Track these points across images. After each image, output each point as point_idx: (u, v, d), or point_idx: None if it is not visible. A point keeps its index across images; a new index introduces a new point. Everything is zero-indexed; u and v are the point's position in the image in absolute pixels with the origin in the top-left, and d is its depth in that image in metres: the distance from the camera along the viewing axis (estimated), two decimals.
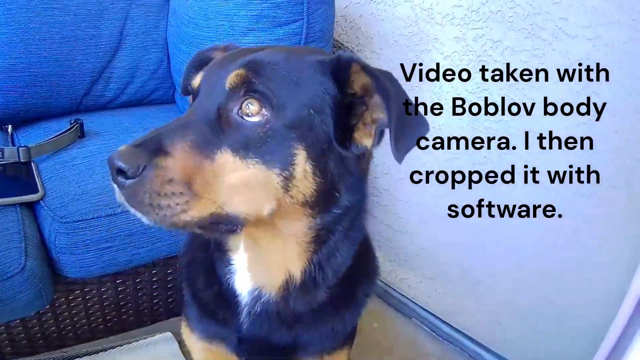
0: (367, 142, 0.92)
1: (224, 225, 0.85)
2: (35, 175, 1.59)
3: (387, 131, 0.92)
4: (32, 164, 1.64)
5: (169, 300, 1.83)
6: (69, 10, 1.90)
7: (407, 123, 0.86)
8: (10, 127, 2.00)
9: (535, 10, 1.63)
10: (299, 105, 0.87)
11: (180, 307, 1.81)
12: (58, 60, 1.91)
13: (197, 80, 0.96)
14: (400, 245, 2.31)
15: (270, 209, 0.88)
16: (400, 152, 0.84)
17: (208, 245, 1.10)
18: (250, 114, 0.84)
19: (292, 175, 0.85)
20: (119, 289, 1.70)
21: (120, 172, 0.76)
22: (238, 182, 0.83)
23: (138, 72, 2.13)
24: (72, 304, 1.63)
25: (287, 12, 1.69)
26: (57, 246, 1.45)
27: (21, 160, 1.63)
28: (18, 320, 1.53)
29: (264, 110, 0.84)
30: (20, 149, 1.63)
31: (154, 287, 1.77)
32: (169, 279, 1.78)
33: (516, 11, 1.67)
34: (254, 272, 1.02)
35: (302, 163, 0.86)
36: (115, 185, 0.79)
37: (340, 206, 0.94)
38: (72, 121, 1.81)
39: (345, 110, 0.92)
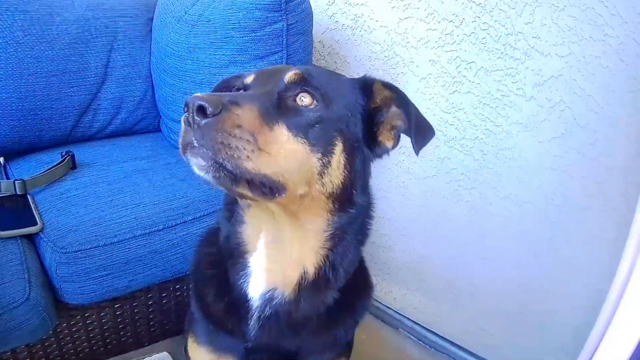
0: (389, 143, 1.12)
1: (267, 188, 0.93)
2: (33, 208, 1.62)
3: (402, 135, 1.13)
4: (29, 197, 1.67)
5: (165, 321, 1.88)
6: (57, 45, 1.95)
7: (422, 127, 1.06)
8: (2, 159, 2.04)
9: (507, 31, 1.67)
10: (342, 106, 1.04)
11: (176, 328, 1.88)
12: (48, 94, 1.96)
13: (249, 78, 1.09)
14: (383, 261, 2.35)
15: (302, 191, 0.98)
16: (419, 149, 1.03)
17: (218, 261, 1.19)
18: (304, 105, 0.99)
19: (330, 162, 0.99)
20: (117, 312, 1.74)
21: (199, 112, 0.83)
22: (287, 153, 0.93)
23: (124, 103, 2.18)
24: (73, 329, 1.68)
25: (267, 45, 1.77)
26: (58, 275, 1.49)
27: (17, 192, 1.66)
28: (23, 346, 1.57)
29: (315, 102, 0.99)
30: (16, 182, 1.66)
31: (150, 310, 1.82)
32: (163, 302, 1.83)
33: (489, 32, 1.72)
34: (270, 270, 1.09)
35: (338, 153, 1.01)
36: (185, 128, 0.86)
37: (354, 205, 1.07)
38: (64, 153, 1.85)
39: (369, 118, 1.10)
